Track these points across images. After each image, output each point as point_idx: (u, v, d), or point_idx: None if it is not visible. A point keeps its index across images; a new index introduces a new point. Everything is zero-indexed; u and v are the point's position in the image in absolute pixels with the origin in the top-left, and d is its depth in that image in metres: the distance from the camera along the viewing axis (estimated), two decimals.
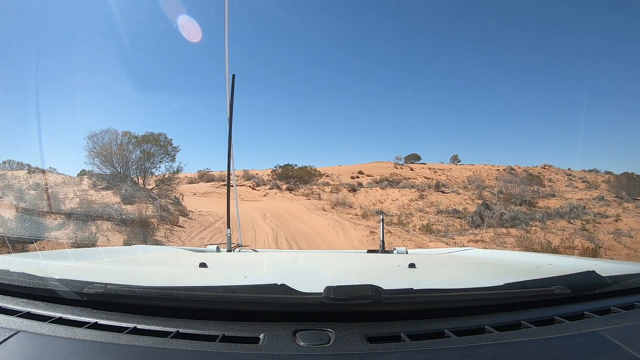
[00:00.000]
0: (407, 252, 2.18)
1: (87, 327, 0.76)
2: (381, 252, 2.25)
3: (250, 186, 23.32)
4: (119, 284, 0.85)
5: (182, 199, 15.35)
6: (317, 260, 1.97)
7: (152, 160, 16.38)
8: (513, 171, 29.78)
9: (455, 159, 38.35)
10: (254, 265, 1.75)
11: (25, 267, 1.07)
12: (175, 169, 16.95)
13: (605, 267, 1.28)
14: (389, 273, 1.44)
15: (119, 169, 15.37)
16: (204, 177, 26.52)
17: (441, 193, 20.11)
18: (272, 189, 22.72)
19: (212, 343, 0.71)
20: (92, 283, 0.85)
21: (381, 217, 2.69)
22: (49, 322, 0.78)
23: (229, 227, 2.57)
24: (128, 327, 0.76)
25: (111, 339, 0.72)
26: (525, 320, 0.82)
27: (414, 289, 0.84)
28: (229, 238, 2.46)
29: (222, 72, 3.00)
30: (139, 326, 0.77)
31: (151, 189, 15.41)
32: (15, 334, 0.72)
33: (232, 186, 3.24)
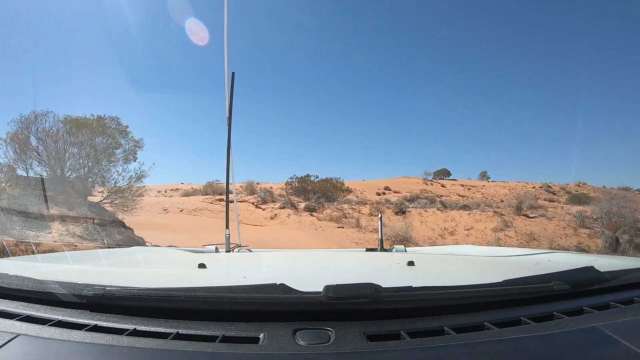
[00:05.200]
0: (405, 251, 2.19)
1: (86, 330, 0.76)
2: (380, 251, 2.26)
3: (253, 203, 17.64)
4: (118, 286, 0.85)
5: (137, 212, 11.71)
6: (316, 259, 1.98)
7: (95, 157, 11.37)
8: (550, 189, 28.26)
9: (484, 176, 36.67)
10: (253, 265, 1.76)
11: (24, 270, 1.07)
12: (135, 174, 11.94)
13: (603, 263, 1.27)
14: (388, 271, 1.45)
15: (57, 171, 10.86)
16: (211, 188, 22.34)
17: (525, 217, 15.04)
18: (284, 207, 16.82)
19: (212, 344, 0.71)
20: (91, 285, 0.85)
21: (379, 216, 2.71)
22: (49, 325, 0.78)
23: (227, 227, 2.57)
24: (128, 329, 0.76)
25: (111, 341, 0.72)
26: (525, 317, 0.83)
27: (413, 286, 0.84)
28: (228, 238, 2.45)
29: (227, 73, 2.92)
30: (139, 328, 0.77)
31: (101, 201, 11.59)
32: (15, 337, 0.72)
33: (232, 192, 3.24)
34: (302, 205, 17.23)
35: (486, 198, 25.16)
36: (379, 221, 2.59)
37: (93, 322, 0.79)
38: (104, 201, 11.69)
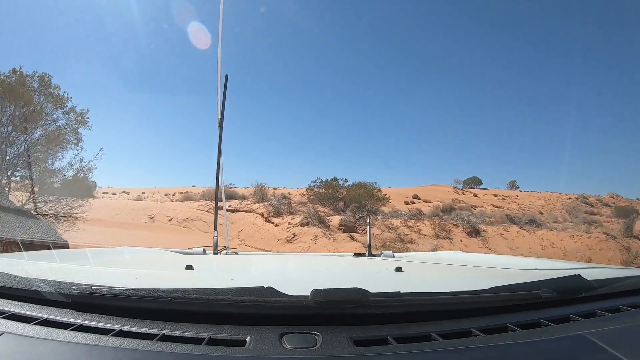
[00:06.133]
0: (393, 256, 2.20)
1: (72, 329, 0.76)
2: (368, 256, 2.27)
3: (261, 214, 13.71)
4: (105, 286, 0.85)
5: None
6: (305, 263, 1.97)
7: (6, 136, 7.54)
8: (587, 200, 26.62)
9: (513, 185, 35.44)
10: (241, 267, 1.75)
11: (10, 267, 1.06)
12: (78, 164, 8.72)
13: (590, 271, 1.28)
14: (376, 276, 1.45)
15: None
16: (226, 194, 17.21)
17: (636, 239, 11.11)
18: (307, 224, 11.57)
19: (199, 346, 0.71)
20: (78, 284, 0.85)
21: (368, 221, 2.74)
22: (34, 324, 0.78)
23: (216, 229, 2.56)
24: (114, 329, 0.76)
25: (97, 341, 0.71)
26: (512, 324, 0.83)
27: (401, 292, 0.84)
28: (216, 240, 2.44)
29: (220, 75, 2.92)
30: (125, 328, 0.76)
31: (23, 205, 7.84)
32: (0, 335, 0.72)
33: (221, 187, 3.30)
34: (335, 220, 12.04)
35: (523, 209, 23.66)
36: (368, 226, 2.62)
37: (79, 322, 0.79)
38: (27, 206, 7.78)
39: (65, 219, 8.30)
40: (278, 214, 13.51)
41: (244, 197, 17.16)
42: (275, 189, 19.98)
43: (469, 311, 0.88)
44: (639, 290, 1.08)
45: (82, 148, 9.38)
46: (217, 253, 2.35)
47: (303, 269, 1.73)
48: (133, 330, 0.76)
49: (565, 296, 0.97)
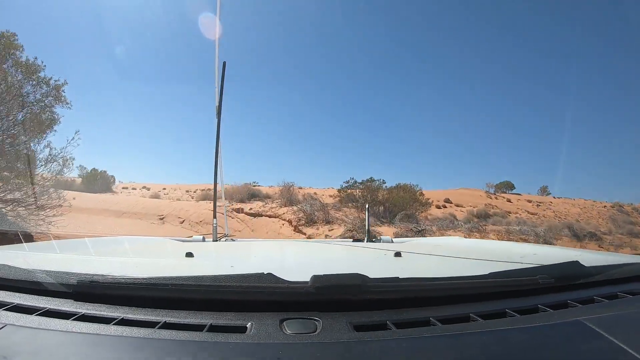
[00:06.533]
0: (392, 241, 2.20)
1: (74, 319, 0.77)
2: (367, 241, 2.28)
3: (290, 222, 11.49)
4: (105, 275, 0.86)
5: None
6: (304, 249, 1.97)
7: None
8: (622, 209, 24.65)
9: (544, 191, 32.65)
10: (240, 254, 1.76)
11: (11, 259, 1.06)
12: (47, 150, 7.09)
13: (588, 258, 1.28)
14: (375, 262, 1.46)
15: None
16: (248, 192, 16.12)
17: None
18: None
19: (200, 333, 0.71)
20: (79, 274, 0.85)
21: (366, 207, 2.73)
22: (36, 315, 0.78)
23: (215, 217, 2.58)
24: (115, 318, 0.76)
25: (98, 330, 0.72)
26: (510, 309, 0.84)
27: (400, 277, 0.85)
28: (215, 228, 2.45)
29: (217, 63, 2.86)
30: (127, 317, 0.77)
31: None
32: (2, 327, 0.72)
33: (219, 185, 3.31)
34: (385, 232, 10.34)
35: (559, 217, 22.46)
36: (366, 212, 2.61)
37: (80, 311, 0.79)
38: None
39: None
40: (311, 222, 10.90)
41: (267, 196, 15.79)
42: (300, 188, 17.81)
43: (468, 296, 0.88)
44: (636, 277, 1.09)
45: (56, 131, 7.56)
46: (216, 240, 2.36)
47: (302, 255, 1.73)
48: (134, 319, 0.76)
49: (563, 282, 0.97)
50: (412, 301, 0.85)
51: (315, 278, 0.79)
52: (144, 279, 0.84)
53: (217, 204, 2.99)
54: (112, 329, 0.72)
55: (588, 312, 0.83)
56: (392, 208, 12.38)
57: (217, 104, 2.87)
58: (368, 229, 2.42)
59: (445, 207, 22.56)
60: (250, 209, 13.47)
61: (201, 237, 2.23)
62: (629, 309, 0.89)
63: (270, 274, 0.82)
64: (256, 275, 0.81)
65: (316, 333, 0.72)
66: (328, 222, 10.80)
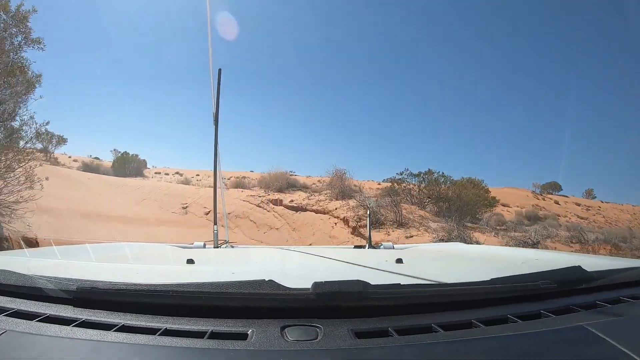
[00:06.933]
0: (393, 248, 2.20)
1: (75, 325, 0.76)
2: (368, 248, 2.28)
3: (345, 220, 8.84)
4: (106, 281, 0.86)
5: None
6: (305, 256, 1.98)
7: None
8: None
9: (590, 194, 30.55)
10: (241, 261, 1.76)
11: (11, 265, 1.06)
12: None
13: (590, 262, 1.28)
14: (377, 268, 1.45)
15: None
16: (286, 182, 13.51)
17: None
18: None
19: (201, 339, 0.71)
20: (80, 280, 0.85)
21: (368, 213, 2.70)
22: (37, 321, 0.78)
23: (215, 223, 2.57)
24: (116, 325, 0.76)
25: (99, 336, 0.72)
26: (512, 315, 0.84)
27: (401, 284, 0.86)
28: (216, 234, 2.44)
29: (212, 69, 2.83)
30: (127, 323, 0.77)
31: None
32: (3, 333, 0.72)
33: (220, 187, 3.26)
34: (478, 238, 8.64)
35: (610, 223, 21.01)
36: (368, 218, 2.57)
37: (81, 318, 0.79)
38: None
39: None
40: (378, 223, 8.22)
41: (305, 187, 13.29)
42: (346, 176, 14.57)
43: (469, 302, 0.88)
44: (639, 282, 1.09)
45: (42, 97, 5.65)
46: (217, 247, 2.37)
47: (303, 261, 1.73)
48: (135, 325, 0.76)
49: (565, 287, 0.97)
50: (414, 307, 0.85)
51: (316, 285, 0.78)
52: (144, 285, 0.84)
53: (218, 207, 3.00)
54: (112, 336, 0.72)
55: (591, 317, 0.83)
56: (462, 207, 9.94)
57: (214, 111, 2.86)
58: (370, 235, 2.41)
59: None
60: (292, 201, 10.87)
61: (202, 243, 2.25)
62: (633, 313, 0.89)
63: (271, 281, 0.82)
64: (257, 282, 0.81)
65: (317, 340, 0.72)
66: (402, 225, 8.20)
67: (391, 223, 8.41)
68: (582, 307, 0.90)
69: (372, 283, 0.81)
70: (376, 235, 8.26)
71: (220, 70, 2.90)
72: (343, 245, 6.84)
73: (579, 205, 26.96)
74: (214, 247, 2.34)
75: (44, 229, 6.88)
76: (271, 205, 10.74)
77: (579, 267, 1.01)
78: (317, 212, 9.90)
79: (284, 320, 0.78)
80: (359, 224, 8.38)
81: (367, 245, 2.33)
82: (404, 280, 0.88)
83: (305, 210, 10.30)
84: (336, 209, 9.46)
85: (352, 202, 9.52)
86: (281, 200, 11.17)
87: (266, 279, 0.82)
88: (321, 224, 9.15)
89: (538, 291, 0.92)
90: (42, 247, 1.86)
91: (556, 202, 26.74)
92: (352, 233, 8.38)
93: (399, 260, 1.43)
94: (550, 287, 0.91)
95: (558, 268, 1.02)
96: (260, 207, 10.42)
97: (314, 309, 0.81)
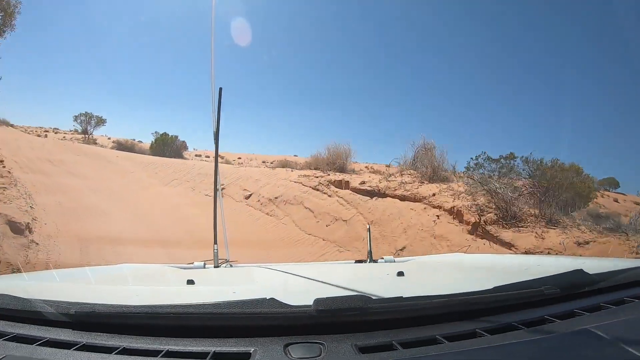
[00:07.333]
0: (394, 261, 2.19)
1: (75, 349, 0.75)
2: (369, 262, 2.25)
3: (453, 212, 5.96)
4: (106, 304, 0.84)
5: None
6: (306, 272, 1.93)
7: None
8: None
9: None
10: (242, 280, 1.79)
11: (10, 289, 1.03)
12: None
13: (592, 265, 1.27)
14: (378, 282, 1.46)
15: None
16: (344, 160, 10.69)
17: None
18: None
19: None
20: (79, 303, 0.84)
21: (368, 227, 2.69)
22: (37, 345, 0.78)
23: (215, 242, 2.47)
24: (117, 347, 0.75)
25: (100, 359, 0.71)
26: (517, 322, 0.83)
27: (404, 297, 0.85)
28: (216, 254, 2.37)
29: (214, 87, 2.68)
30: (128, 346, 0.76)
31: None
32: (2, 358, 0.71)
33: (219, 196, 3.00)
34: None
35: None
36: (367, 232, 2.56)
37: (81, 341, 0.78)
38: None
39: None
40: (515, 220, 5.62)
41: (353, 171, 10.06)
42: (367, 165, 13.82)
43: (473, 312, 0.87)
44: None
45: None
46: (217, 267, 2.29)
47: (304, 278, 1.71)
48: (136, 348, 0.76)
49: (568, 291, 0.97)
50: (417, 320, 0.84)
51: (318, 301, 0.78)
52: (145, 307, 0.83)
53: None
54: (113, 359, 0.71)
55: (595, 320, 0.83)
56: (571, 200, 7.30)
57: (214, 129, 2.71)
58: (370, 249, 2.35)
59: None
60: (363, 182, 7.99)
61: (202, 263, 2.20)
62: (637, 313, 0.89)
63: (272, 299, 0.81)
64: (259, 301, 0.81)
65: (321, 357, 0.71)
66: (551, 223, 5.61)
67: (536, 219, 5.84)
68: (587, 310, 0.90)
69: (374, 297, 0.82)
70: (523, 239, 5.25)
71: (221, 89, 2.76)
72: (460, 252, 5.10)
73: (638, 204, 24.38)
74: (214, 267, 2.26)
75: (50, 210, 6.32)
76: (333, 188, 8.09)
77: (581, 270, 1.01)
78: (403, 198, 7.08)
79: (287, 337, 0.77)
80: (483, 218, 5.86)
81: (367, 259, 2.28)
82: (406, 293, 0.85)
83: (384, 195, 7.37)
84: (434, 194, 6.67)
85: (457, 186, 6.80)
86: (347, 182, 8.26)
87: (267, 297, 0.82)
88: (414, 216, 6.39)
89: (542, 297, 0.91)
90: (41, 271, 1.93)
91: (615, 200, 24.06)
92: (471, 232, 5.76)
93: (400, 273, 1.44)
94: (554, 292, 0.91)
95: (560, 272, 1.02)
96: (317, 190, 7.84)
97: (317, 326, 0.80)
